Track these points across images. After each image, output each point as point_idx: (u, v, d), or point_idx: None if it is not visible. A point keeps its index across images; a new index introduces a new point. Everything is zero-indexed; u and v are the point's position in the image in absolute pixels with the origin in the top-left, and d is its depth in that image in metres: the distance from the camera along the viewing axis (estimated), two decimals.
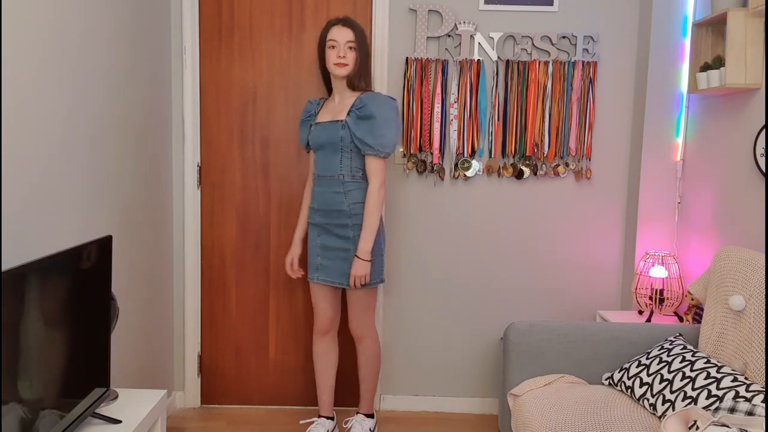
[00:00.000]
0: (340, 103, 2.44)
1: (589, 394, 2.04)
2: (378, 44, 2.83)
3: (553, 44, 2.82)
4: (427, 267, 2.98)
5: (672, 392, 1.87)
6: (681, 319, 2.59)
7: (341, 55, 2.36)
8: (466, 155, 2.87)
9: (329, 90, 2.54)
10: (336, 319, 2.63)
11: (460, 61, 2.82)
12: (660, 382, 1.92)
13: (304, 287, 2.99)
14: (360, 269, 2.38)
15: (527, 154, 2.87)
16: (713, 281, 2.08)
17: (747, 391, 1.71)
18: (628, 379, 2.04)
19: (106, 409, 1.81)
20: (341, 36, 2.37)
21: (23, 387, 1.41)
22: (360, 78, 2.41)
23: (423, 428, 2.87)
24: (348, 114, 2.38)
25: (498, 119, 2.86)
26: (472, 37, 2.82)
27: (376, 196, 2.37)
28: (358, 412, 2.71)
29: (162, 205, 2.77)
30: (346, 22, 2.40)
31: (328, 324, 2.60)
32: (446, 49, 2.82)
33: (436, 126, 2.84)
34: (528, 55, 2.83)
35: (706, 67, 2.44)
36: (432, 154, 2.87)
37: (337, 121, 2.40)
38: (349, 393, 3.04)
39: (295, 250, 2.66)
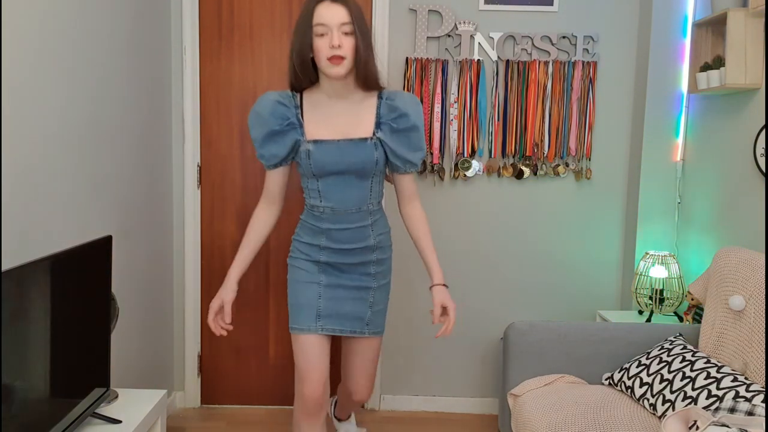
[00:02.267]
0: (349, 110, 1.85)
1: (589, 394, 2.04)
2: (378, 44, 2.83)
3: (553, 44, 2.82)
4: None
5: (672, 392, 1.87)
6: (681, 319, 2.59)
7: (335, 44, 1.71)
8: (466, 155, 2.87)
9: (305, 82, 1.86)
10: (329, 386, 2.00)
11: (460, 61, 2.82)
12: (660, 382, 1.92)
13: None
14: (451, 300, 1.94)
15: (527, 154, 2.87)
16: (713, 281, 2.08)
17: (747, 391, 1.71)
18: (628, 379, 2.04)
19: (106, 409, 1.81)
20: (332, 17, 1.72)
21: (23, 387, 1.41)
22: (370, 72, 1.79)
23: (423, 428, 2.87)
24: (378, 127, 1.84)
25: (498, 119, 2.86)
26: (472, 37, 2.82)
27: (425, 217, 2.01)
28: (340, 419, 2.52)
29: (162, 205, 2.77)
30: None
31: (322, 391, 1.93)
32: (446, 49, 2.82)
33: (436, 126, 2.84)
34: (528, 55, 2.83)
35: (706, 67, 2.44)
36: (432, 154, 2.87)
37: (365, 139, 1.82)
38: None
39: (229, 294, 1.94)
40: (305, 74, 1.82)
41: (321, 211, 1.89)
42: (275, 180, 1.93)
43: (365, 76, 1.79)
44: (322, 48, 1.73)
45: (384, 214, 1.99)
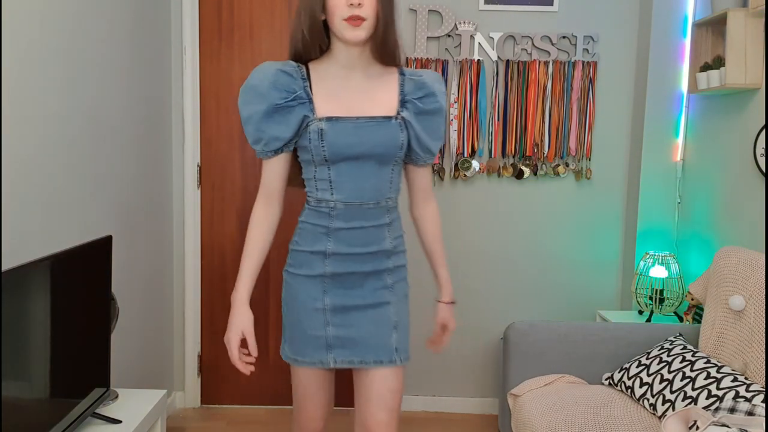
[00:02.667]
0: (367, 84, 1.53)
1: (589, 394, 2.04)
2: None
3: (553, 44, 2.82)
4: (426, 266, 2.98)
5: (672, 392, 1.87)
6: (681, 319, 2.59)
7: (355, 2, 1.41)
8: (466, 155, 2.87)
9: (314, 50, 1.51)
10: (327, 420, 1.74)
11: (460, 61, 2.82)
12: (660, 382, 1.92)
13: None
14: (454, 320, 1.75)
15: (527, 154, 2.87)
16: (713, 281, 2.08)
17: (747, 391, 1.71)
18: (628, 379, 2.04)
19: (106, 409, 1.81)
20: None
21: (23, 387, 1.41)
22: (389, 41, 1.49)
23: (423, 428, 2.87)
24: (403, 105, 1.53)
25: (498, 119, 2.86)
26: (472, 37, 2.82)
27: (439, 219, 1.74)
28: None
29: (162, 205, 2.77)
30: None
31: (323, 426, 1.74)
32: (446, 49, 2.82)
33: None
34: (528, 55, 2.83)
35: (706, 67, 2.44)
36: None
37: (389, 117, 1.50)
38: (349, 392, 3.03)
39: (245, 322, 1.54)
40: (315, 39, 1.47)
41: (331, 207, 1.52)
42: (275, 171, 1.55)
43: (383, 46, 1.47)
44: (339, 5, 1.41)
45: (400, 215, 1.65)
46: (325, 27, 1.47)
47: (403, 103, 1.53)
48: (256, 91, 1.48)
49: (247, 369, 1.51)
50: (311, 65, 1.51)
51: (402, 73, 1.56)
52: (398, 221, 1.63)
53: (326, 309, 1.56)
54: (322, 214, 1.54)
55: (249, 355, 1.51)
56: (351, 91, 1.51)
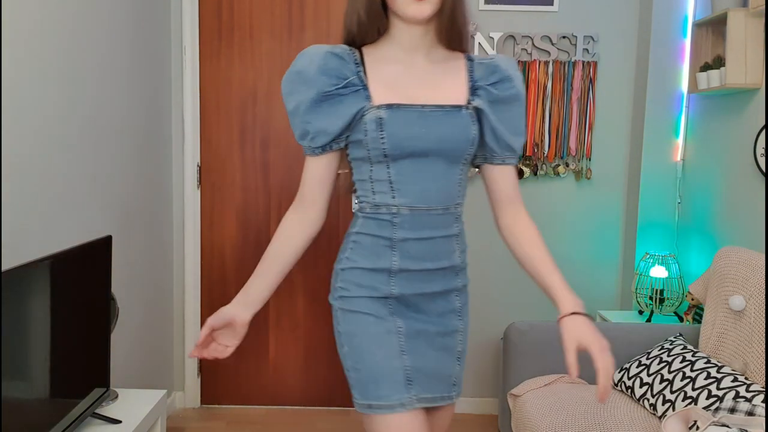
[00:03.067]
0: (431, 69, 1.31)
1: (589, 394, 2.04)
2: None
3: (553, 44, 2.82)
4: None
5: (672, 392, 1.87)
6: (681, 319, 2.59)
7: None
8: None
9: (371, 32, 1.30)
10: None
11: None
12: (660, 382, 1.92)
13: (305, 288, 2.98)
14: (600, 336, 1.22)
15: (527, 154, 2.87)
16: (713, 281, 2.08)
17: (747, 391, 1.71)
18: (628, 379, 2.04)
19: (106, 409, 1.81)
20: None
21: (23, 387, 1.41)
22: (457, 22, 1.28)
23: None
24: (474, 93, 1.30)
25: None
26: (472, 37, 2.82)
27: (535, 225, 1.42)
28: None
29: (162, 205, 2.77)
30: None
31: None
32: None
33: None
34: (528, 55, 2.83)
35: (706, 67, 2.44)
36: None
37: (458, 107, 1.28)
38: (349, 393, 3.03)
39: (243, 312, 1.34)
40: (373, 20, 1.27)
41: (393, 213, 1.27)
42: (318, 173, 1.31)
43: (450, 25, 1.26)
44: None
45: (464, 227, 1.40)
46: (383, 7, 1.27)
47: (473, 90, 1.30)
48: (302, 77, 1.25)
49: (208, 353, 1.31)
50: (365, 49, 1.30)
51: (469, 59, 1.34)
52: (464, 232, 1.40)
53: (400, 332, 1.28)
54: (383, 223, 1.29)
55: (224, 344, 1.32)
56: (412, 77, 1.29)
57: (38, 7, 1.75)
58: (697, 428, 1.59)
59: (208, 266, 2.98)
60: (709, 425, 1.56)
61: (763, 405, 1.61)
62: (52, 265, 1.49)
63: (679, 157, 2.79)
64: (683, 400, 1.81)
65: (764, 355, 1.78)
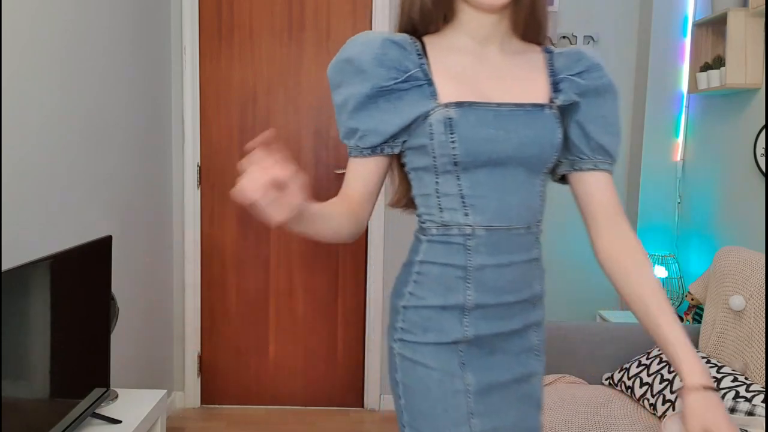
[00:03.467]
0: (507, 62, 1.10)
1: (589, 394, 2.04)
2: None
3: (553, 44, 2.81)
4: None
5: (672, 392, 1.87)
6: (681, 319, 2.60)
7: None
8: None
9: (436, 18, 1.09)
10: None
11: None
12: (660, 382, 1.92)
13: (305, 287, 2.99)
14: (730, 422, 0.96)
15: None
16: (713, 281, 2.08)
17: (747, 391, 1.71)
18: (628, 379, 2.04)
19: (106, 409, 1.81)
20: None
21: (23, 387, 1.41)
22: (538, 12, 1.09)
23: None
24: (556, 89, 1.09)
25: None
26: None
27: (645, 250, 1.13)
28: None
29: (162, 205, 2.77)
30: None
31: None
32: None
33: None
34: None
35: (706, 67, 2.44)
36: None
37: (540, 105, 1.06)
38: (349, 392, 3.04)
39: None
40: (439, 4, 1.07)
41: (467, 234, 1.04)
42: (365, 177, 1.10)
43: (530, 13, 1.08)
44: None
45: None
46: None
47: (555, 85, 1.09)
48: (355, 66, 1.04)
49: (261, 192, 0.82)
50: (428, 39, 1.09)
51: (547, 51, 1.14)
52: (542, 256, 1.15)
53: (469, 391, 1.05)
54: (454, 247, 1.05)
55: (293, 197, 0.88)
56: (484, 71, 1.07)
57: (38, 7, 1.75)
58: None
59: (208, 266, 2.98)
60: None
61: (763, 405, 1.61)
62: (52, 265, 1.49)
63: (679, 157, 2.79)
64: None
65: (764, 355, 1.78)
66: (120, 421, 1.74)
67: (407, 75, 1.04)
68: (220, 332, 3.02)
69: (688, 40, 2.70)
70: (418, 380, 1.07)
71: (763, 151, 2.17)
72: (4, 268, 1.52)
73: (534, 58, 1.11)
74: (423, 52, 1.06)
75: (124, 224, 2.35)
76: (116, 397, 1.91)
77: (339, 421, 2.89)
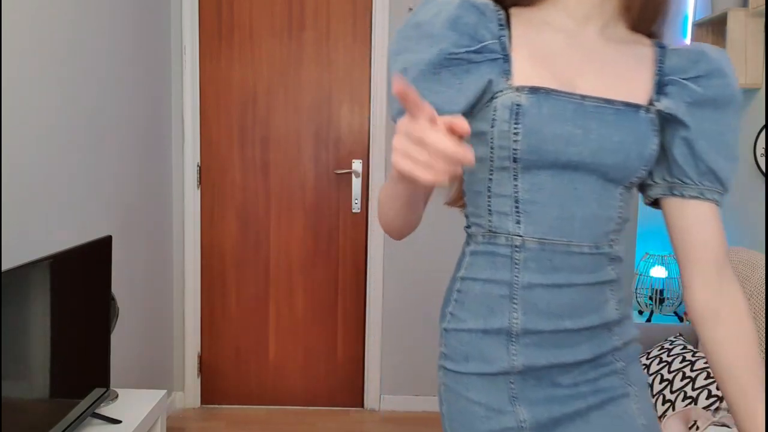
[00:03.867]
0: (605, 51, 0.91)
1: None
2: (378, 44, 2.83)
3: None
4: (427, 266, 2.98)
5: (672, 392, 1.87)
6: (681, 319, 2.59)
7: None
8: None
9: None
10: None
11: None
12: (660, 382, 1.92)
13: (305, 287, 2.99)
14: None
15: None
16: None
17: None
18: None
19: (106, 409, 1.81)
20: None
21: (23, 387, 1.41)
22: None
23: (423, 428, 2.87)
24: (661, 90, 0.90)
25: None
26: None
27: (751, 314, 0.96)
28: None
29: (162, 205, 2.77)
30: None
31: None
32: None
33: None
34: None
35: None
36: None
37: (635, 106, 0.88)
38: (349, 393, 3.04)
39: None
40: None
41: (516, 246, 0.89)
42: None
43: (643, 14, 0.91)
44: None
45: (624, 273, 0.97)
46: None
47: (661, 86, 0.90)
48: (423, 30, 0.87)
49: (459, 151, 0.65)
50: (515, 11, 0.91)
51: (660, 46, 0.94)
52: (623, 279, 0.97)
53: (523, 428, 0.90)
54: (500, 260, 0.90)
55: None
56: (575, 55, 0.89)
57: (38, 7, 1.75)
58: (697, 428, 1.59)
59: (208, 266, 2.98)
60: (709, 425, 1.56)
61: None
62: (52, 265, 1.49)
63: None
64: (683, 400, 1.81)
65: (764, 354, 1.78)
66: (120, 421, 1.74)
67: (481, 45, 0.86)
68: (220, 332, 3.02)
69: (688, 40, 2.70)
70: (462, 415, 0.92)
71: (763, 151, 2.17)
72: (4, 268, 1.52)
73: (640, 52, 0.92)
74: (506, 24, 0.88)
75: (124, 224, 2.35)
76: (116, 397, 1.91)
77: (339, 421, 2.89)
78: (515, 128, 0.84)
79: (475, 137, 0.88)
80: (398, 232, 0.95)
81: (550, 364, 0.90)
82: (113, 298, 1.90)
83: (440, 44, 0.85)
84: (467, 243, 0.96)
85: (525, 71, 0.87)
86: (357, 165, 2.90)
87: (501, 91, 0.85)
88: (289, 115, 2.92)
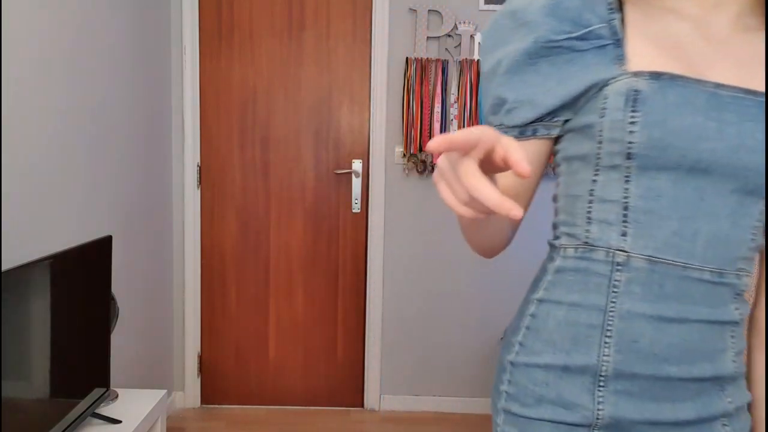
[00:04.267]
0: (737, 37, 0.76)
1: None
2: (378, 44, 2.83)
3: None
4: (427, 267, 2.98)
5: None
6: None
7: None
8: None
9: None
10: None
11: (460, 61, 2.82)
12: None
13: (305, 287, 2.99)
14: None
15: None
16: None
17: None
18: None
19: (106, 409, 1.81)
20: None
21: (23, 387, 1.41)
22: None
23: (423, 428, 2.87)
24: None
25: None
26: (472, 37, 2.82)
27: None
28: None
29: (162, 205, 2.77)
30: None
31: None
32: (446, 49, 2.82)
33: (436, 126, 2.84)
34: None
35: None
36: (432, 154, 2.87)
37: (756, 93, 0.71)
38: (349, 393, 3.04)
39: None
40: None
41: (618, 264, 0.74)
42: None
43: None
44: None
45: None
46: None
47: None
48: (518, 18, 0.77)
49: (503, 204, 0.51)
50: None
51: None
52: (744, 320, 0.79)
53: None
54: (593, 281, 0.75)
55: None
56: (706, 47, 0.76)
57: (38, 6, 1.75)
58: None
59: (208, 266, 2.98)
60: None
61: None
62: (52, 265, 1.49)
63: None
64: None
65: (764, 354, 1.78)
66: (120, 421, 1.74)
67: (586, 31, 0.74)
68: (220, 332, 3.02)
69: None
70: None
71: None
72: (4, 268, 1.52)
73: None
74: (618, 6, 0.76)
75: (124, 224, 2.35)
76: (116, 397, 1.91)
77: (339, 421, 2.89)
78: (632, 117, 0.70)
79: (578, 132, 0.75)
80: (479, 248, 0.80)
81: (644, 420, 0.73)
82: (113, 298, 1.90)
83: (537, 31, 0.75)
84: (550, 258, 0.80)
85: (643, 56, 0.73)
86: (357, 165, 2.90)
87: (614, 77, 0.72)
88: (289, 115, 2.92)
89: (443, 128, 2.86)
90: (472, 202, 0.52)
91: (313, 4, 2.86)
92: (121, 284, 2.28)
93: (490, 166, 0.54)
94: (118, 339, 2.26)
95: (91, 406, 1.71)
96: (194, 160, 2.90)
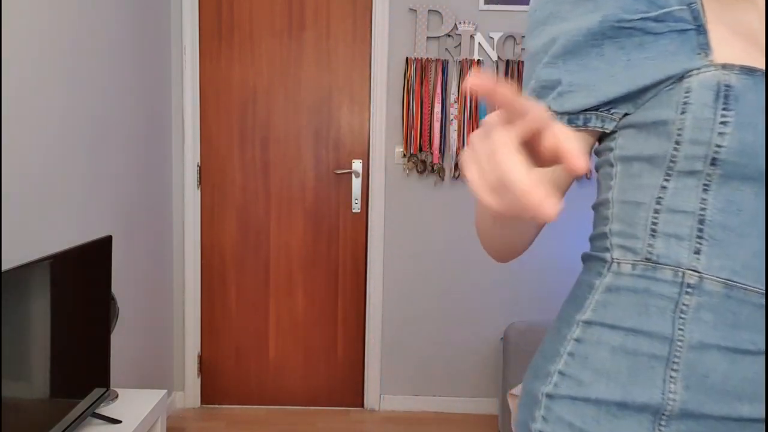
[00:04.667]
0: None
1: None
2: (378, 44, 2.83)
3: None
4: (427, 267, 2.98)
5: None
6: None
7: None
8: None
9: None
10: None
11: (460, 61, 2.82)
12: None
13: (305, 286, 2.99)
14: None
15: None
16: None
17: None
18: None
19: (106, 409, 1.81)
20: None
21: (23, 387, 1.41)
22: None
23: (423, 428, 2.87)
24: None
25: None
26: (472, 37, 2.82)
27: None
28: None
29: (162, 205, 2.77)
30: None
31: None
32: (446, 49, 2.82)
33: (436, 126, 2.84)
34: None
35: None
36: (432, 154, 2.87)
37: None
38: (349, 393, 3.04)
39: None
40: None
41: (688, 286, 0.63)
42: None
43: None
44: None
45: None
46: None
47: None
48: None
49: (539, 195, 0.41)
50: None
51: None
52: None
53: None
54: (658, 304, 0.65)
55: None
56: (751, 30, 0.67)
57: (38, 6, 1.75)
58: None
59: (208, 266, 2.98)
60: None
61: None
62: (52, 265, 1.49)
63: None
64: None
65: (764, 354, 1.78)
66: (120, 421, 1.74)
67: (663, 12, 0.63)
68: (220, 332, 3.02)
69: None
70: None
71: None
72: (4, 268, 1.52)
73: None
74: None
75: (124, 224, 2.35)
76: (116, 397, 1.91)
77: (339, 421, 2.90)
78: (723, 116, 0.60)
79: (644, 129, 0.65)
80: (496, 248, 0.72)
81: None
82: (113, 298, 1.90)
83: (606, 8, 0.63)
84: (597, 273, 0.68)
85: (728, 46, 0.63)
86: (357, 165, 2.90)
87: (699, 69, 0.62)
88: (289, 115, 2.92)
89: (443, 128, 2.86)
90: (502, 190, 0.42)
91: (313, 4, 2.87)
92: (121, 284, 2.28)
93: (532, 157, 0.46)
94: (118, 339, 2.26)
95: (91, 406, 1.72)
96: (194, 160, 2.90)
